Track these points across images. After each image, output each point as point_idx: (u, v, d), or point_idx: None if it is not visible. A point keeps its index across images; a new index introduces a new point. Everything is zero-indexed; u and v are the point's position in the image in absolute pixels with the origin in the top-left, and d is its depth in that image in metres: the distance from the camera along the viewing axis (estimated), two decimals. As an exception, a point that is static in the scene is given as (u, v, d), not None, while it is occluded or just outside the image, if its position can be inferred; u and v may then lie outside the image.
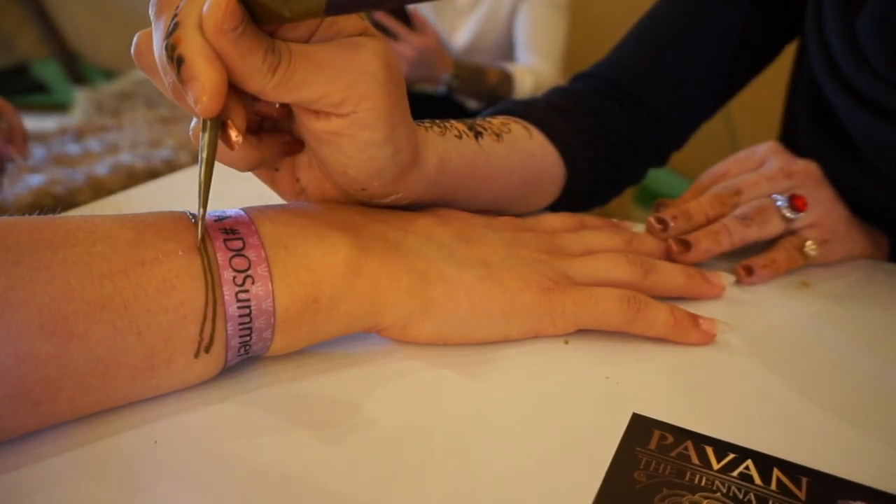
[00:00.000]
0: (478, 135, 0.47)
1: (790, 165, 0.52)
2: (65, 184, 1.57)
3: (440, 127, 0.44)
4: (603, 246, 0.46)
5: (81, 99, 2.59)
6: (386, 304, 0.36)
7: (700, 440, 0.32)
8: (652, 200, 0.56)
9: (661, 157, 0.69)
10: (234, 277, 0.32)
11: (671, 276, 0.44)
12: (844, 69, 0.52)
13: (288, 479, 0.29)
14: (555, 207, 0.58)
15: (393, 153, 0.36)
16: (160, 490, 0.28)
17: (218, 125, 0.32)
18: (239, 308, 0.32)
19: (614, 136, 0.62)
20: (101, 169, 1.69)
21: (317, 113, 0.34)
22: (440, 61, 1.55)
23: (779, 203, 0.49)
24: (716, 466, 0.30)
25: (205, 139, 0.31)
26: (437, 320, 0.37)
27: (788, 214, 0.49)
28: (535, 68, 1.66)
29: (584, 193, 0.59)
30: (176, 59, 0.30)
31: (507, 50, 1.77)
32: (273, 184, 0.41)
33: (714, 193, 0.51)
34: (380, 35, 0.35)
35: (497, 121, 0.51)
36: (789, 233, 0.50)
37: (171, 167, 1.77)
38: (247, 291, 0.32)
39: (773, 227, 0.49)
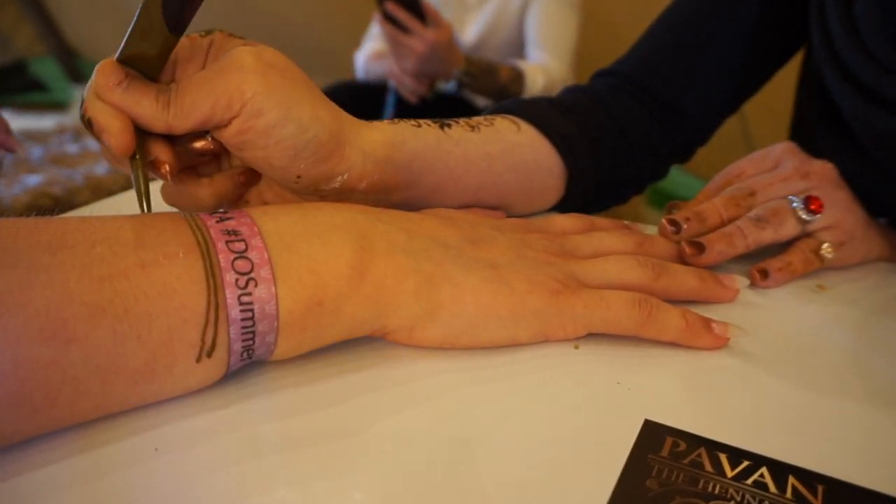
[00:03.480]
0: (444, 126, 0.51)
1: (806, 166, 0.52)
2: (63, 184, 1.58)
3: (392, 121, 0.48)
4: (614, 248, 0.46)
5: (80, 97, 2.60)
6: (391, 306, 0.36)
7: (714, 447, 0.32)
8: (665, 201, 0.56)
9: (685, 154, 0.70)
10: (237, 280, 0.32)
11: (684, 279, 0.44)
12: (843, 54, 0.54)
13: (292, 486, 0.29)
14: (566, 207, 0.59)
15: (298, 130, 0.39)
16: (161, 499, 0.28)
17: (140, 164, 0.39)
18: (241, 311, 0.32)
19: (632, 132, 0.63)
20: (100, 169, 1.69)
21: (224, 126, 0.39)
22: (452, 57, 1.55)
23: (794, 204, 0.49)
24: (730, 474, 0.30)
25: (135, 176, 0.39)
26: (444, 323, 0.37)
27: (804, 216, 0.49)
28: (545, 66, 1.66)
29: (592, 191, 0.60)
30: (87, 123, 0.38)
31: (516, 47, 1.78)
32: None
33: (728, 195, 0.51)
34: (247, 41, 0.41)
35: (478, 118, 0.54)
36: (805, 235, 0.50)
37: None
38: (249, 294, 0.32)
39: (789, 229, 0.49)
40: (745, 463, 0.31)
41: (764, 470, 0.30)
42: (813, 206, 0.49)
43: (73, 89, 2.69)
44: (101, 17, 3.10)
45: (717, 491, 0.29)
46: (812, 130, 0.60)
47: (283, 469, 0.30)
